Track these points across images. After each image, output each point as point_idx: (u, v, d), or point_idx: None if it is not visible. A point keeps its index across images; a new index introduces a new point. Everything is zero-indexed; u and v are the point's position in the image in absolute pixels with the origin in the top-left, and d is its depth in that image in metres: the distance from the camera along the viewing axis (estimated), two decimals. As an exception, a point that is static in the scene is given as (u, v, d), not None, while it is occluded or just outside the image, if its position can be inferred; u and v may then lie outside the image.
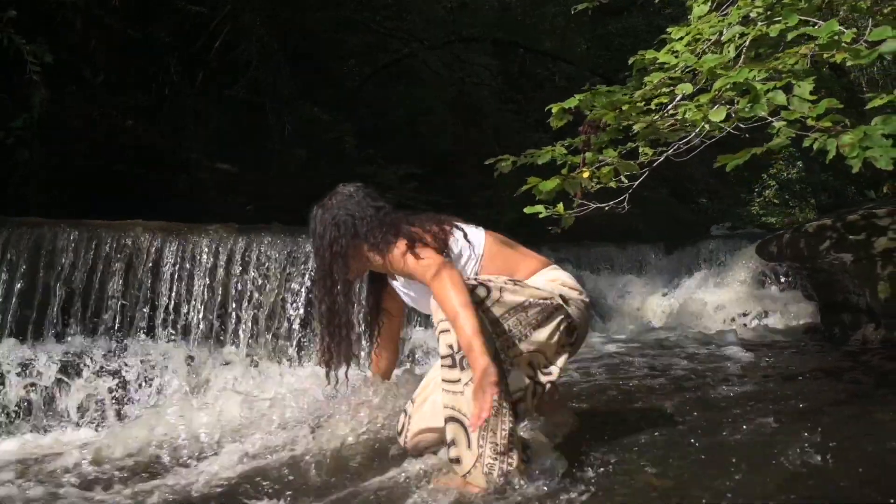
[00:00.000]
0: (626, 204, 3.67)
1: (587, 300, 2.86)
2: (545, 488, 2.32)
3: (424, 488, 2.44)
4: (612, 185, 3.68)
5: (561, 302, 2.72)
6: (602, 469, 2.51)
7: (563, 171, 3.46)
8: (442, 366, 2.52)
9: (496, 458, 2.41)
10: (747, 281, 6.79)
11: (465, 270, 2.74)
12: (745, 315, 6.43)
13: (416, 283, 2.74)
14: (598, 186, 3.69)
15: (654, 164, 3.63)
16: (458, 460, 2.46)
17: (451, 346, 2.48)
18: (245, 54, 8.25)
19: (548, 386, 2.69)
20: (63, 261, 4.15)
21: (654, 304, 7.03)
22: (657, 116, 3.47)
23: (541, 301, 2.66)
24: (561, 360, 2.72)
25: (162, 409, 3.34)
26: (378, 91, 10.78)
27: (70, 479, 2.78)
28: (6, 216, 4.41)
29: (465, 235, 2.82)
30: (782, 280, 6.63)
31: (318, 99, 9.40)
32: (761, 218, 13.56)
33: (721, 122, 2.99)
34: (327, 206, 2.89)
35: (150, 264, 4.32)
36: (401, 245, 2.68)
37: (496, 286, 2.61)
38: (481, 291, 2.57)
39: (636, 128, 3.33)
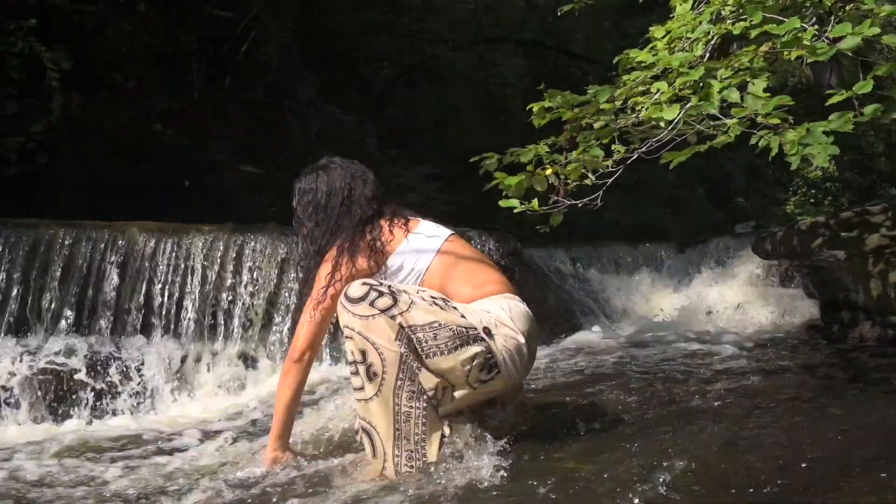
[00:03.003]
0: (599, 201, 3.71)
1: (519, 340, 2.62)
2: (459, 475, 2.39)
3: (346, 477, 2.55)
4: (588, 182, 3.74)
5: (483, 334, 2.54)
6: (527, 456, 2.54)
7: (529, 168, 3.52)
8: (350, 371, 2.53)
9: (412, 462, 2.47)
10: (751, 279, 6.76)
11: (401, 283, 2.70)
12: (747, 313, 6.41)
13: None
14: (575, 184, 3.75)
15: (628, 162, 3.67)
16: (373, 464, 2.54)
17: (353, 353, 2.47)
18: (266, 57, 8.42)
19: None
20: (59, 261, 4.34)
21: (660, 303, 7.04)
22: (632, 116, 3.53)
23: (455, 327, 2.50)
24: (464, 396, 2.56)
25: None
26: (405, 93, 10.92)
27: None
28: (24, 218, 4.62)
29: (417, 248, 2.78)
30: (785, 278, 6.60)
31: (344, 101, 9.57)
32: (797, 217, 13.41)
33: (674, 119, 3.02)
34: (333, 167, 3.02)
35: (146, 263, 4.48)
36: (331, 251, 2.78)
37: (407, 300, 2.49)
38: (386, 301, 2.46)
39: (595, 126, 3.38)
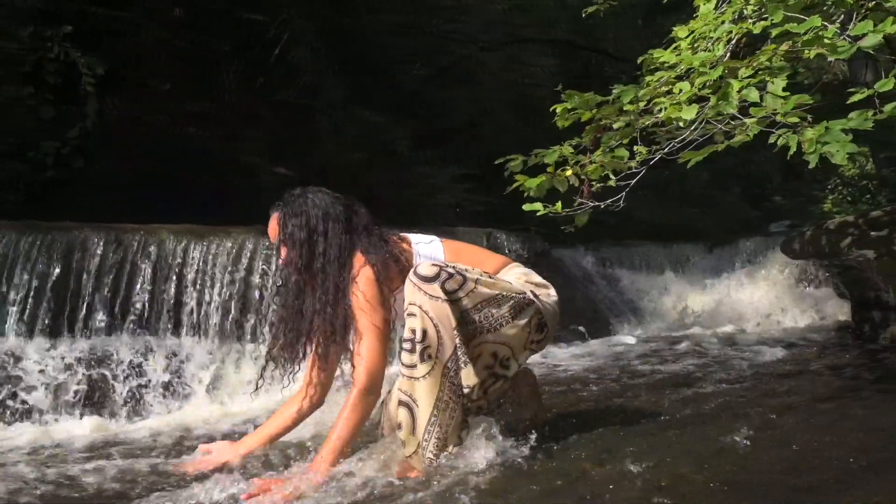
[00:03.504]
0: (622, 202, 3.71)
1: (555, 296, 2.86)
2: (475, 472, 2.44)
3: (367, 469, 2.58)
4: (612, 183, 3.74)
5: (533, 297, 2.73)
6: (543, 456, 2.57)
7: (549, 170, 3.53)
8: (402, 348, 2.57)
9: (438, 451, 2.53)
10: (781, 279, 6.70)
11: None
12: (777, 313, 6.36)
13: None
14: (599, 185, 3.76)
15: (651, 162, 3.67)
16: (404, 443, 2.57)
17: (413, 331, 2.52)
18: (297, 60, 8.50)
19: (501, 382, 2.71)
20: (91, 263, 4.43)
21: (689, 303, 6.99)
22: (652, 117, 3.52)
23: (514, 295, 2.67)
24: (524, 357, 2.76)
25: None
26: (437, 94, 10.92)
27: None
28: (56, 221, 4.72)
29: (428, 253, 2.83)
30: (816, 278, 6.52)
31: (375, 102, 9.60)
32: (834, 215, 13.19)
33: (692, 119, 3.02)
34: (311, 197, 2.84)
35: (176, 266, 4.56)
36: (367, 272, 2.68)
37: (472, 277, 2.60)
38: (453, 283, 2.54)
39: (615, 126, 3.39)
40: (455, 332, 2.53)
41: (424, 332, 2.51)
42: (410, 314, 2.54)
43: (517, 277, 2.84)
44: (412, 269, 2.58)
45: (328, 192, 2.88)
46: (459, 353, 2.55)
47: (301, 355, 2.85)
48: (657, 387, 3.76)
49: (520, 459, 2.55)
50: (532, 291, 2.75)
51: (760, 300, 6.61)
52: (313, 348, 2.84)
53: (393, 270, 2.71)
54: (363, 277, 2.67)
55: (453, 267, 2.61)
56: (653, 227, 9.55)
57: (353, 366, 2.69)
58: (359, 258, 2.72)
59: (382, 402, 2.87)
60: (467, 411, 2.64)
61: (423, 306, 2.51)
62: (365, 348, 2.64)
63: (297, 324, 2.84)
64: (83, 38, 6.35)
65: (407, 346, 2.55)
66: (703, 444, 2.61)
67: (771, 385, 3.69)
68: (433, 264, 2.58)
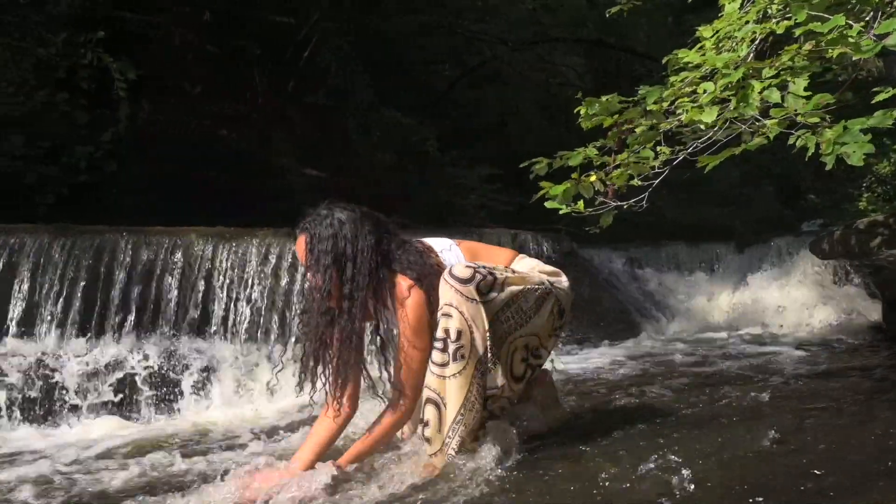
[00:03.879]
0: (644, 202, 3.70)
1: (566, 282, 2.91)
2: (494, 470, 2.46)
3: (387, 468, 2.62)
4: (636, 183, 3.73)
5: (550, 287, 2.79)
6: (561, 457, 2.58)
7: (574, 175, 3.52)
8: (434, 347, 2.60)
9: (459, 448, 2.57)
10: (811, 279, 6.63)
11: None
12: (807, 314, 6.29)
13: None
14: (624, 185, 3.75)
15: (674, 163, 3.65)
16: (428, 440, 2.60)
17: (446, 331, 2.55)
18: (326, 62, 8.57)
19: (536, 371, 2.80)
20: (121, 265, 4.52)
21: (719, 304, 6.95)
22: (675, 119, 3.51)
23: (535, 286, 2.73)
24: (552, 344, 2.85)
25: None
26: (466, 94, 10.96)
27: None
28: (84, 224, 4.81)
29: (449, 259, 2.82)
30: (847, 278, 6.44)
31: (404, 103, 9.66)
32: (870, 214, 12.96)
33: (712, 122, 3.01)
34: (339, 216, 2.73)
35: (204, 268, 4.63)
36: (417, 297, 2.64)
37: (500, 277, 2.64)
38: (489, 281, 2.59)
39: (637, 130, 3.38)
40: (487, 333, 2.58)
41: (459, 333, 2.55)
42: (446, 314, 2.57)
43: (531, 269, 2.89)
44: (447, 270, 2.62)
45: (357, 210, 2.77)
46: (490, 354, 2.60)
47: (325, 378, 2.75)
48: (680, 388, 3.75)
49: (537, 460, 2.57)
50: (548, 280, 2.82)
51: (790, 300, 6.53)
52: (339, 369, 2.75)
53: (437, 289, 2.65)
54: (413, 303, 2.63)
55: (484, 267, 2.65)
56: (684, 227, 9.50)
57: (393, 386, 2.69)
58: (403, 280, 2.66)
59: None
60: (491, 412, 2.69)
61: (459, 307, 2.55)
62: (406, 376, 2.64)
63: (322, 349, 2.75)
64: (115, 44, 6.46)
65: (439, 345, 2.58)
66: (724, 446, 2.60)
67: (797, 386, 3.65)
68: (467, 266, 2.61)
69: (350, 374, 2.75)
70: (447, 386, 2.57)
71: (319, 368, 2.74)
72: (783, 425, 2.84)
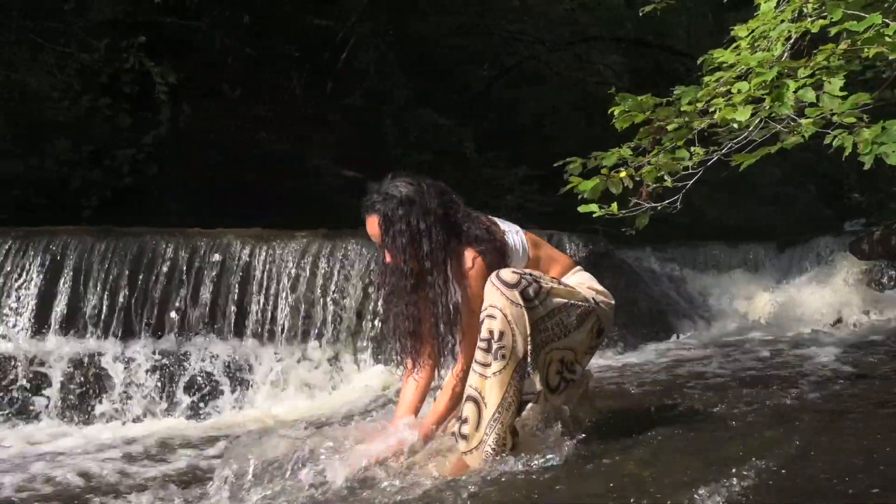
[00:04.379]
0: (678, 203, 3.67)
1: (612, 302, 2.94)
2: (525, 470, 2.50)
3: (419, 465, 2.65)
4: (668, 183, 3.70)
5: (595, 305, 2.82)
6: (592, 457, 2.58)
7: (604, 171, 3.51)
8: (478, 347, 2.65)
9: (496, 448, 2.59)
10: (852, 279, 6.50)
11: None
12: (846, 315, 6.18)
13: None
14: (656, 186, 3.72)
15: (709, 163, 3.62)
16: (465, 437, 2.63)
17: (490, 332, 2.60)
18: (364, 64, 8.62)
19: (569, 385, 2.80)
20: (161, 267, 4.60)
21: (758, 305, 6.84)
22: (707, 118, 3.48)
23: (579, 303, 2.76)
24: (587, 361, 2.88)
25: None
26: (503, 94, 10.94)
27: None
28: (125, 226, 4.92)
29: (515, 243, 2.90)
30: (889, 278, 6.31)
31: (441, 104, 9.68)
32: (915, 213, 12.73)
33: (745, 121, 2.99)
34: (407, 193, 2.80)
35: (241, 269, 4.70)
36: (480, 268, 2.74)
37: (546, 287, 2.69)
38: (534, 288, 2.64)
39: (669, 128, 3.36)
40: (528, 338, 2.62)
41: (502, 334, 2.59)
42: (490, 316, 2.62)
43: (579, 283, 2.91)
44: (494, 273, 2.66)
45: (423, 183, 2.84)
46: (529, 359, 2.65)
47: (415, 350, 2.91)
48: (714, 389, 3.72)
49: (570, 460, 2.59)
50: (594, 298, 2.85)
51: (830, 301, 6.42)
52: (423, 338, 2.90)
53: (500, 262, 2.77)
54: (477, 273, 2.74)
55: (531, 274, 2.70)
56: (724, 227, 9.41)
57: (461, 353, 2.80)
58: (468, 252, 2.76)
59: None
60: (546, 415, 2.75)
61: (503, 309, 2.59)
62: (469, 343, 2.73)
63: (409, 322, 2.87)
64: (156, 48, 6.58)
65: (483, 345, 2.63)
66: (755, 448, 2.58)
67: (832, 388, 3.61)
68: (514, 272, 2.66)
69: (430, 340, 2.89)
70: (487, 384, 2.61)
71: (409, 342, 2.89)
72: (815, 428, 2.83)
